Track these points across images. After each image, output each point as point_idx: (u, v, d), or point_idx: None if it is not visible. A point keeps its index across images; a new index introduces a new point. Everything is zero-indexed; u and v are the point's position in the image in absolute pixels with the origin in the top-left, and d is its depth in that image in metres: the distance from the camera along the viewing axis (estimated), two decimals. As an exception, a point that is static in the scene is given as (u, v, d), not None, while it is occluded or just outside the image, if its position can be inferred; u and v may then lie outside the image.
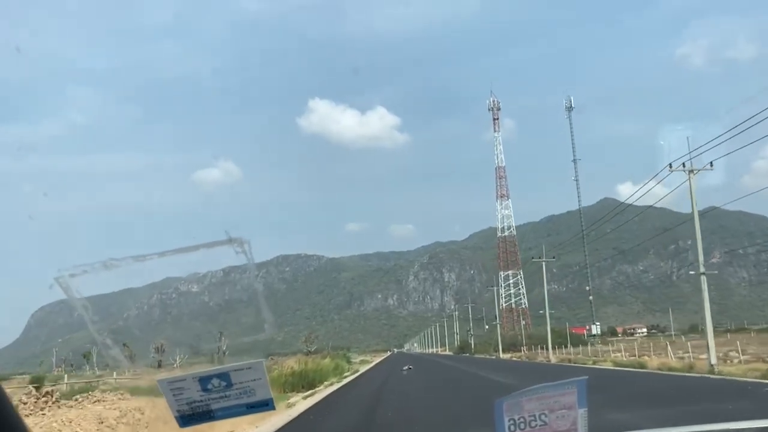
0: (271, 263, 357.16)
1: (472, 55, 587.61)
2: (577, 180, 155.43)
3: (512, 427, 1.95)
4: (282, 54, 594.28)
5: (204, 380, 1.70)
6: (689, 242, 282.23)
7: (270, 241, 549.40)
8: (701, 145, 31.90)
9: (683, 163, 31.86)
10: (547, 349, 68.08)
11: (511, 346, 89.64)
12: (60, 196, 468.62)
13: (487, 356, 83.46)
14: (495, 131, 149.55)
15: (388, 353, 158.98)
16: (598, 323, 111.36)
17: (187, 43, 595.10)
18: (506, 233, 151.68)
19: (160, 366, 35.87)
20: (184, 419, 1.74)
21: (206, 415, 1.74)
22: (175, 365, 31.58)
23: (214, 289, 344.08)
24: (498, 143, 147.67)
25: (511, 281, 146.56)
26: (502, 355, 77.66)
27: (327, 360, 43.76)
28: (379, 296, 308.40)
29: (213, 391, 1.71)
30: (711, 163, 31.74)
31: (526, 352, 78.25)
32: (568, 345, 79.32)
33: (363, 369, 56.07)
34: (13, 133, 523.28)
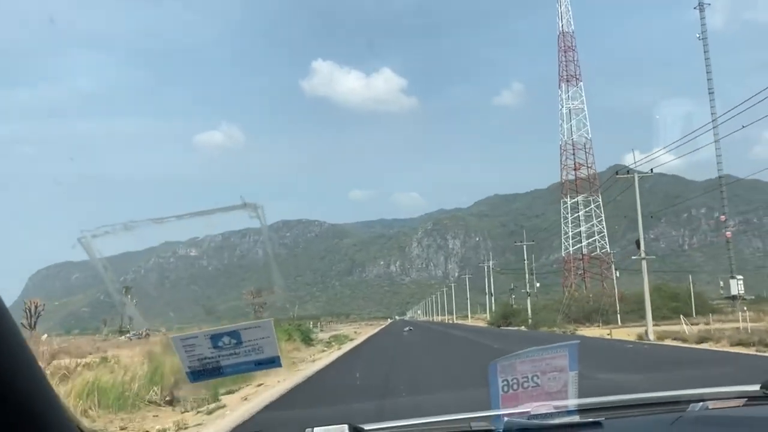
0: (272, 228, 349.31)
1: (480, 19, 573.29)
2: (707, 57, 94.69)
3: (505, 388, 2.00)
4: (285, 15, 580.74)
5: (215, 338, 1.74)
6: (702, 210, 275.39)
7: (271, 206, 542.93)
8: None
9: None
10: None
11: (592, 313, 61.15)
12: (62, 161, 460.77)
13: (568, 332, 47.99)
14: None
15: (389, 321, 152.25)
16: (740, 278, 62.04)
17: (193, 7, 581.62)
18: (574, 137, 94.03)
19: (33, 327, 28.72)
20: (195, 374, 1.77)
21: (216, 371, 1.78)
22: (43, 337, 24.41)
23: (212, 253, 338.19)
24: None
25: (581, 213, 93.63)
26: (614, 333, 39.97)
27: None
28: (382, 263, 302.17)
29: (224, 348, 1.75)
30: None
31: (652, 328, 36.66)
32: (693, 312, 52.99)
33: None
34: (18, 98, 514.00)
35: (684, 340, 29.32)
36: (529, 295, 68.06)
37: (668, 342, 29.96)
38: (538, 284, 70.52)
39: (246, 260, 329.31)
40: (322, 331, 73.60)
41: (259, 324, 1.76)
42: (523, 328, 62.01)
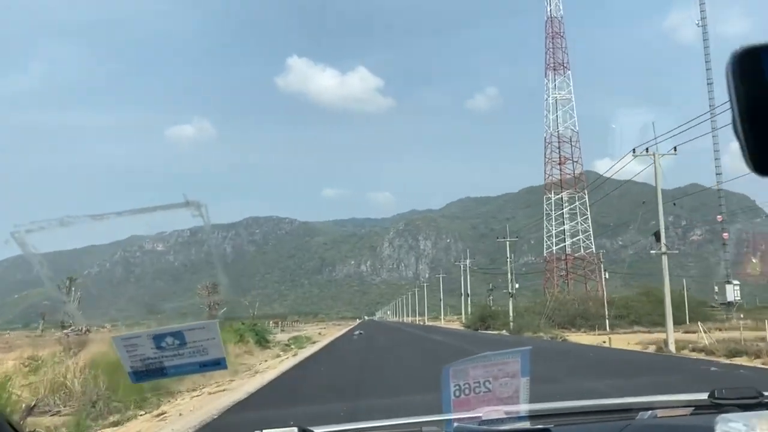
0: (241, 225, 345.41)
1: (458, 22, 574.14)
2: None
3: (457, 392, 2.04)
4: (262, 10, 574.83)
5: (158, 338, 1.73)
6: (670, 218, 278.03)
7: (241, 202, 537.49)
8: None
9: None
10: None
11: (576, 317, 56.12)
12: (26, 151, 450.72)
13: (558, 338, 42.05)
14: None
15: (358, 321, 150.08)
16: (736, 283, 57.76)
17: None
18: (560, 129, 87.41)
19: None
20: (137, 375, 1.77)
21: (159, 372, 1.78)
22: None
23: (180, 248, 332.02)
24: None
25: (565, 209, 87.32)
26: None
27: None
28: (352, 262, 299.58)
29: (167, 349, 1.74)
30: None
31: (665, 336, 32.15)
32: (687, 319, 49.69)
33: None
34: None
35: (711, 353, 23.99)
36: (512, 296, 60.77)
37: (695, 355, 24.49)
38: (517, 285, 62.72)
39: (212, 257, 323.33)
40: (283, 331, 69.82)
41: (204, 325, 1.73)
42: (504, 332, 55.21)
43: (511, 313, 59.53)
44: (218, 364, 1.74)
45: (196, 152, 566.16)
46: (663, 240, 29.05)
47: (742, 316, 48.53)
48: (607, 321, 51.38)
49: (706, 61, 59.23)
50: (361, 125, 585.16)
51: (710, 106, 49.96)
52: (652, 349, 28.99)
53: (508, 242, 64.66)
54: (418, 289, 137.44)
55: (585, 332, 49.00)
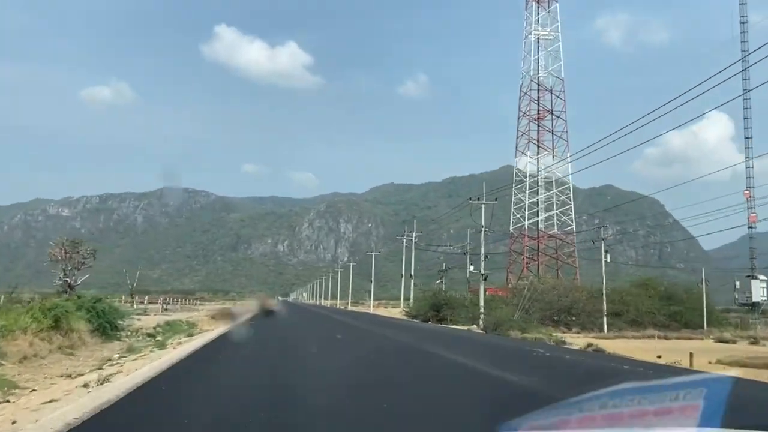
0: (154, 195, 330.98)
1: (393, 5, 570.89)
2: None
3: None
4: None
5: None
6: (584, 217, 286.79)
7: (155, 172, 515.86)
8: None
9: None
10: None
11: (558, 313, 44.99)
12: None
13: (586, 347, 25.48)
14: None
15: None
16: (762, 279, 50.08)
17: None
18: (541, 74, 72.53)
19: None
20: None
21: None
22: None
23: (87, 215, 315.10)
24: None
25: (540, 174, 71.83)
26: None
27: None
28: (269, 241, 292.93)
29: None
30: None
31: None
32: (705, 322, 44.32)
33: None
34: None
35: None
36: (485, 278, 46.49)
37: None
38: (472, 267, 49.18)
39: (123, 226, 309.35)
40: (166, 310, 56.55)
41: None
42: (474, 327, 41.94)
43: (481, 303, 45.73)
44: None
45: (111, 116, 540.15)
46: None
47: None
48: (605, 319, 41.91)
49: (741, 23, 54.77)
50: (287, 102, 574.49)
51: (743, 84, 44.49)
52: None
53: (483, 205, 48.63)
54: (341, 269, 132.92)
55: (579, 333, 38.65)
